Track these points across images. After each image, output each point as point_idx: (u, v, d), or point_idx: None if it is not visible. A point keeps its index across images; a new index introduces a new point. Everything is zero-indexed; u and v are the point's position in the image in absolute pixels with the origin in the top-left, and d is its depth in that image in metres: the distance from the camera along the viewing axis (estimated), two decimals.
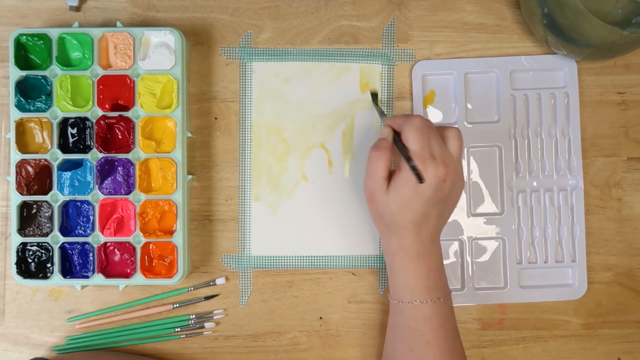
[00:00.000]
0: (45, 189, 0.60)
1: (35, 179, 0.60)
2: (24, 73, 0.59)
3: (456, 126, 0.56)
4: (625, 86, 0.64)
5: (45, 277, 0.59)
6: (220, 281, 0.63)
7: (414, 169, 0.52)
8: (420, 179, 0.51)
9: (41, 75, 0.59)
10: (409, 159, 0.52)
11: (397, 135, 0.55)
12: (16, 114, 0.59)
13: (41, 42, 0.59)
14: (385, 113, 0.61)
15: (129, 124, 0.60)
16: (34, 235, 0.59)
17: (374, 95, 0.62)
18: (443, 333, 0.54)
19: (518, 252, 0.64)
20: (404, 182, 0.52)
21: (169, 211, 0.60)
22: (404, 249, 0.54)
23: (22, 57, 0.60)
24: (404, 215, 0.53)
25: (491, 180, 0.64)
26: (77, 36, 0.60)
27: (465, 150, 0.64)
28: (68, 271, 0.60)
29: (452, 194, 0.54)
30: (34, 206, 0.60)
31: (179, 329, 0.62)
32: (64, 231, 0.59)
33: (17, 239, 0.59)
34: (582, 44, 0.58)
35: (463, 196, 0.63)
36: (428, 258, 0.54)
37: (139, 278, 0.59)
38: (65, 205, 0.60)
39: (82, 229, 0.60)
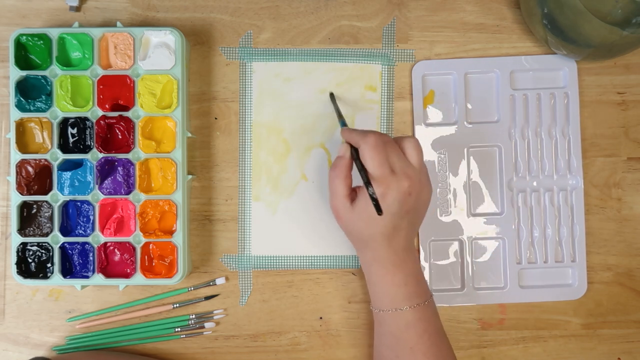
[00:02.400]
0: (46, 189, 0.60)
1: (36, 179, 0.60)
2: (24, 73, 0.59)
3: (414, 136, 0.55)
4: (625, 86, 0.64)
5: (45, 277, 0.59)
6: (220, 281, 0.63)
7: (373, 199, 0.51)
8: (378, 209, 0.51)
9: (41, 75, 0.59)
10: (367, 184, 0.52)
11: (355, 153, 0.54)
12: (16, 114, 0.59)
13: (41, 42, 0.60)
14: (343, 116, 0.59)
15: (129, 124, 0.60)
16: (34, 235, 0.59)
17: (332, 95, 0.62)
18: (427, 338, 0.54)
19: (518, 252, 0.64)
20: (368, 199, 0.52)
21: (169, 211, 0.60)
22: (378, 261, 0.55)
23: (22, 57, 0.60)
24: (372, 230, 0.53)
25: (491, 180, 0.64)
26: (77, 36, 0.60)
27: (465, 150, 0.64)
28: (68, 271, 0.60)
29: (420, 203, 0.55)
30: (34, 206, 0.60)
31: (179, 329, 0.62)
32: (64, 231, 0.59)
33: (17, 239, 0.59)
34: (582, 44, 0.58)
35: (463, 196, 0.64)
36: (404, 266, 0.55)
37: (139, 278, 0.59)
38: (65, 205, 0.60)
39: (82, 229, 0.60)
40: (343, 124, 0.58)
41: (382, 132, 0.63)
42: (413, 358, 0.54)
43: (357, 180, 0.54)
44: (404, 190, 0.52)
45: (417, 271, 0.56)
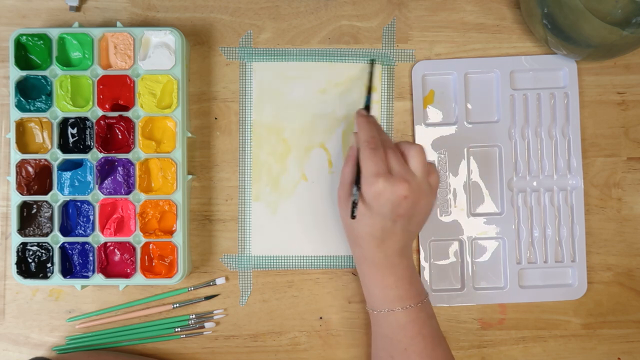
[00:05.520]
0: (46, 189, 0.60)
1: (36, 179, 0.60)
2: (24, 73, 0.59)
3: (419, 143, 0.55)
4: (625, 86, 0.64)
5: (45, 277, 0.59)
6: (220, 281, 0.63)
7: (353, 201, 0.53)
8: (353, 212, 0.52)
9: (41, 75, 0.59)
10: (354, 183, 0.53)
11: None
12: (16, 114, 0.59)
13: (41, 42, 0.60)
14: (371, 93, 0.61)
15: (129, 124, 0.60)
16: (34, 235, 0.59)
17: (372, 63, 0.62)
18: (421, 339, 0.54)
19: (518, 252, 0.64)
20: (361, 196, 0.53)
21: (169, 211, 0.60)
22: (367, 260, 0.55)
23: (22, 57, 0.60)
24: (360, 228, 0.54)
25: (491, 180, 0.64)
26: (77, 36, 0.60)
27: (465, 150, 0.64)
28: (68, 271, 0.60)
29: (417, 210, 0.54)
30: (34, 206, 0.60)
31: (179, 329, 0.62)
32: (64, 231, 0.59)
33: (17, 239, 0.59)
34: (582, 44, 0.58)
35: (463, 196, 0.64)
36: (394, 270, 0.54)
37: (139, 278, 0.59)
38: (66, 205, 0.60)
39: (82, 229, 0.60)
40: (366, 102, 0.57)
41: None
42: (407, 359, 0.54)
43: None
44: (399, 194, 0.52)
45: (410, 274, 0.55)
